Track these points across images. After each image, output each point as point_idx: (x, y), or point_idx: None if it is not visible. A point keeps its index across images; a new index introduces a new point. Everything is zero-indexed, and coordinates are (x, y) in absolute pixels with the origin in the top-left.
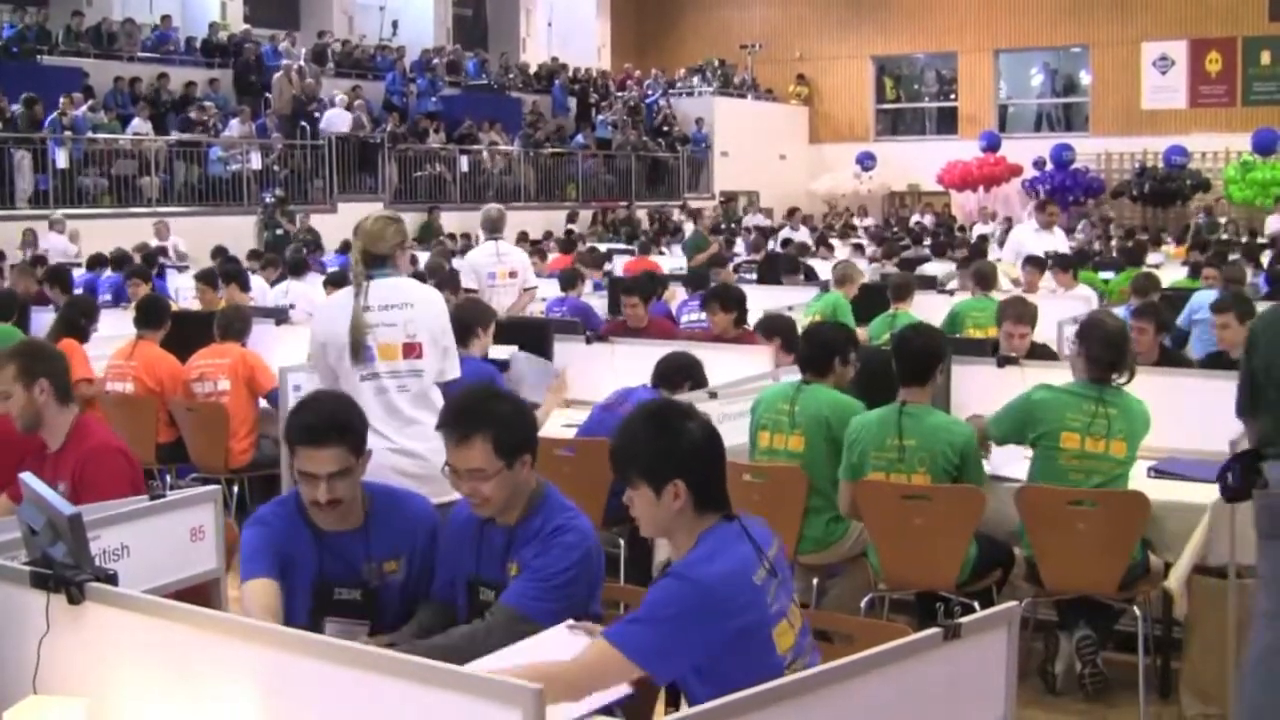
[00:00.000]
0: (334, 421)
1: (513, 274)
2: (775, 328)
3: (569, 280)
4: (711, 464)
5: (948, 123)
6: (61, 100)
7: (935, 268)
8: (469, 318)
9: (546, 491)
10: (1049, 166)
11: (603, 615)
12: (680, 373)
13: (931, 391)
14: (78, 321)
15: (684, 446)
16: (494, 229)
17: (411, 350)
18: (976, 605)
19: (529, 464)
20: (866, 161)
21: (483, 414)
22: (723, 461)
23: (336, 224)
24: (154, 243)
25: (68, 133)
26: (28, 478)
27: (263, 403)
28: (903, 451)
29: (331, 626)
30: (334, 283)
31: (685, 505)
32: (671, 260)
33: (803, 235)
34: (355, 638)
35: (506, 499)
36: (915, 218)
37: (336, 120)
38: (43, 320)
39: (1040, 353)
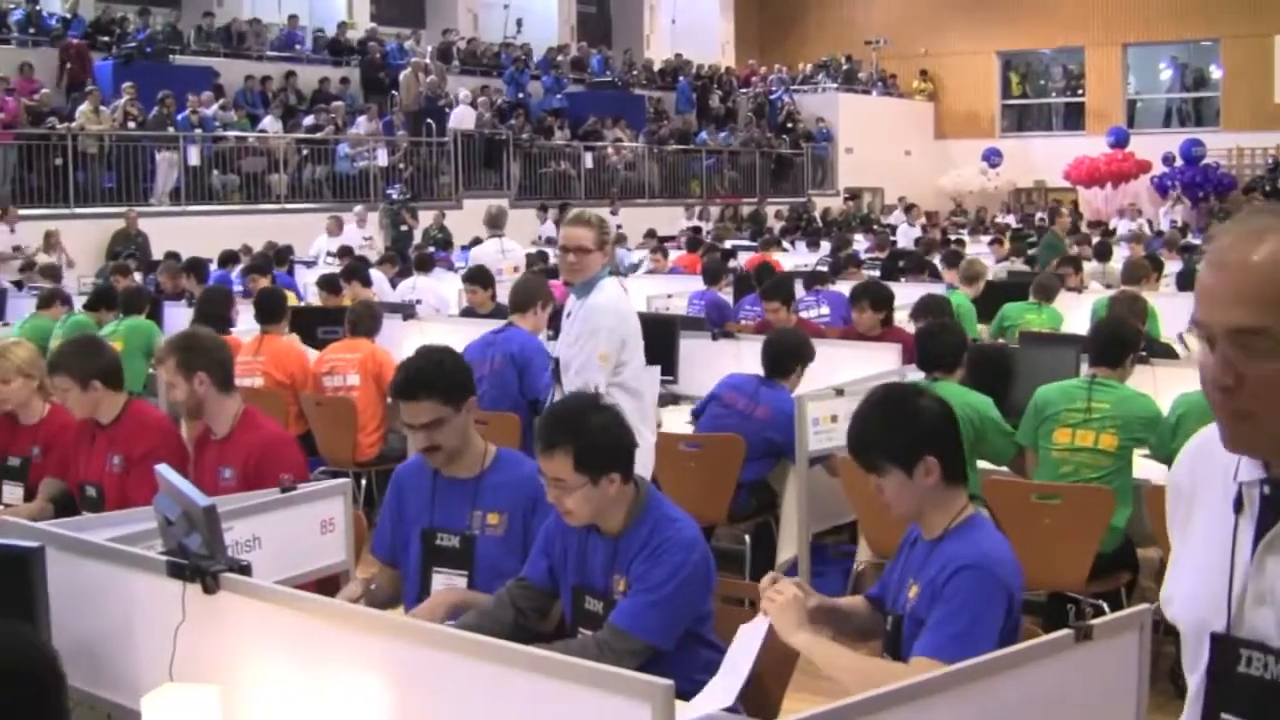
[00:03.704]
0: (421, 377)
1: (516, 269)
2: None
3: (713, 275)
4: (953, 435)
5: (1075, 118)
6: (190, 98)
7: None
8: (530, 291)
9: (649, 501)
10: (1179, 162)
11: (714, 612)
12: (789, 356)
13: (1122, 376)
14: (215, 313)
15: (926, 422)
16: (495, 226)
17: None
18: (1105, 607)
19: (617, 481)
20: (993, 158)
21: (569, 425)
22: (960, 433)
23: (462, 220)
24: (326, 239)
25: (198, 130)
26: (163, 469)
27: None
28: (1090, 413)
29: (438, 578)
30: None
31: (936, 480)
32: (796, 256)
33: (914, 231)
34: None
35: (592, 514)
36: (1040, 215)
37: (462, 118)
38: (177, 314)
39: (1163, 351)
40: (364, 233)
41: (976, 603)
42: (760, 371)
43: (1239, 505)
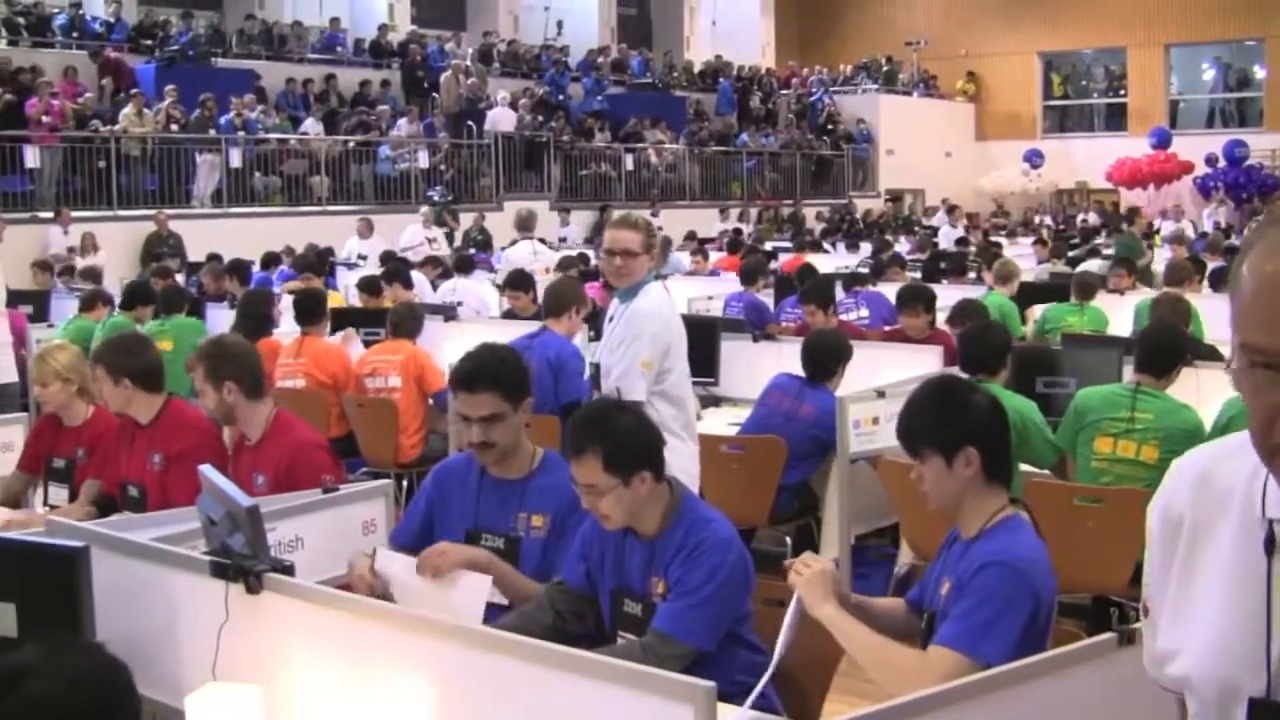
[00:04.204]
0: (484, 369)
1: (547, 270)
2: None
3: (750, 276)
4: (999, 433)
5: (1117, 119)
6: (233, 101)
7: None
8: (564, 296)
9: (683, 504)
10: (1221, 163)
11: (753, 613)
12: (830, 358)
13: (1166, 386)
14: (258, 314)
15: (973, 415)
16: (524, 228)
17: None
18: None
19: (649, 480)
20: (1034, 159)
21: (596, 428)
22: (1009, 433)
23: (503, 221)
24: (356, 241)
25: (241, 133)
26: (207, 470)
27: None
28: (1133, 423)
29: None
30: None
31: (976, 474)
32: (836, 258)
33: (957, 233)
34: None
35: (627, 515)
36: (1081, 216)
37: (500, 119)
38: (219, 315)
39: (1207, 354)
40: (429, 233)
41: (1000, 598)
42: (802, 373)
43: (1271, 546)
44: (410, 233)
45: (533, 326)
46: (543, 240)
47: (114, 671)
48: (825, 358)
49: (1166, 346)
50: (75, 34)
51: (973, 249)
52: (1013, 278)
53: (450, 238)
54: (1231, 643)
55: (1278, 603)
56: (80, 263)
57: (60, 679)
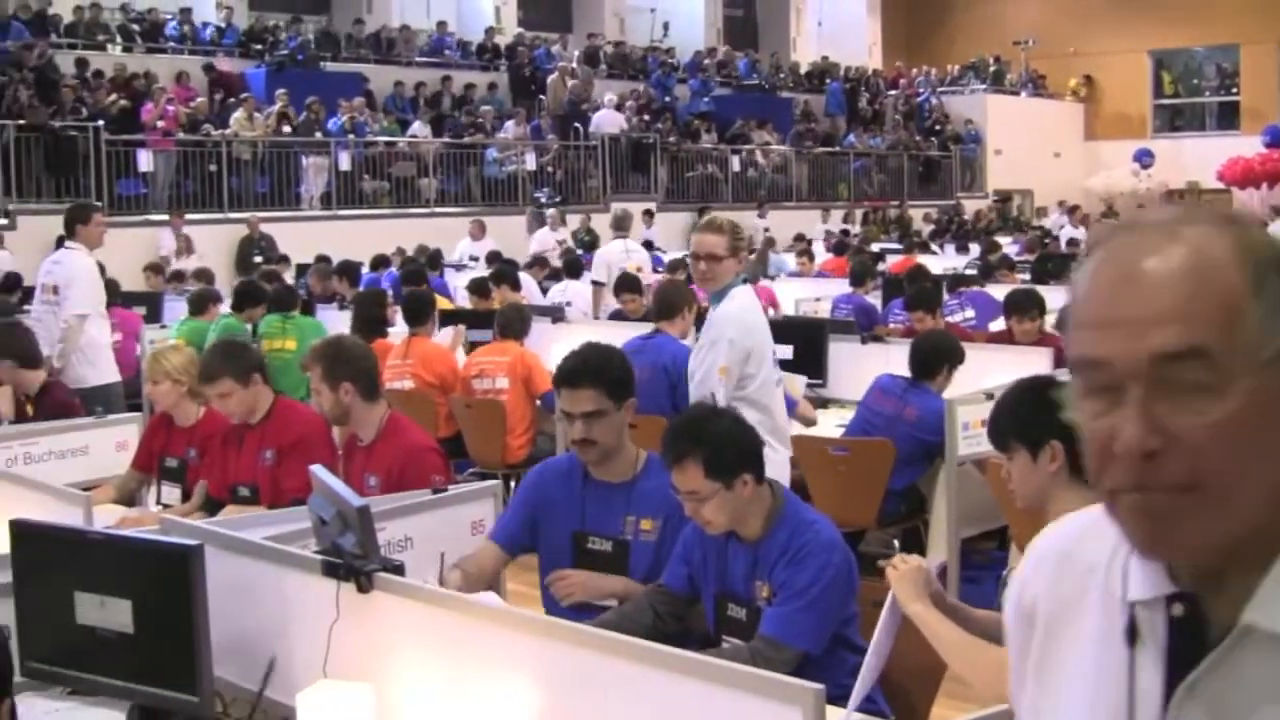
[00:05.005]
0: (588, 366)
1: (639, 269)
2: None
3: (858, 278)
4: None
5: (1229, 118)
6: (342, 105)
7: None
8: (675, 297)
9: (786, 506)
10: None
11: (859, 615)
12: (936, 357)
13: None
14: (372, 315)
15: (1061, 412)
16: (620, 227)
17: None
18: None
19: (751, 483)
20: (1144, 158)
21: (694, 434)
22: None
23: (609, 223)
24: (469, 243)
25: (351, 136)
26: (318, 470)
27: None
28: None
29: None
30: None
31: (1060, 469)
32: (945, 259)
33: (1077, 233)
34: None
35: (730, 520)
36: None
37: (605, 121)
38: (328, 316)
39: None
40: (558, 235)
41: None
42: (908, 375)
43: (1133, 635)
44: (540, 238)
45: (642, 328)
46: (648, 244)
47: None
48: (930, 356)
49: None
50: (187, 40)
51: (1083, 250)
52: None
53: None
54: None
55: (1143, 701)
56: (175, 265)
57: None
